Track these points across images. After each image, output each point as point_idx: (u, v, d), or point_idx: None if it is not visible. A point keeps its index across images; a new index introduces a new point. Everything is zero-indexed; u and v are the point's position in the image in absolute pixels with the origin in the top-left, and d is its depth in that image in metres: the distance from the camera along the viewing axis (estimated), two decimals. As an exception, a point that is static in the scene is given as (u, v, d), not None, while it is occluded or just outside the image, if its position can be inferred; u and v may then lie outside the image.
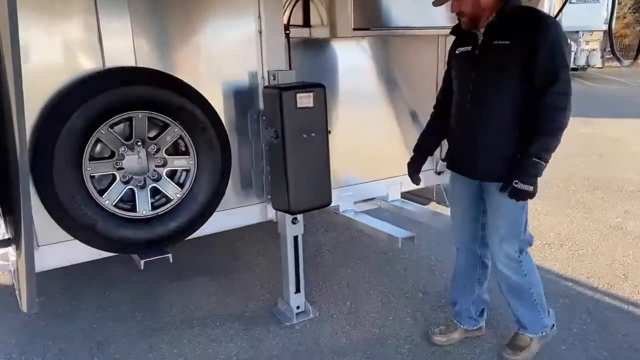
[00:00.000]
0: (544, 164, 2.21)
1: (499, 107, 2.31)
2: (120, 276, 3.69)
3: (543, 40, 2.16)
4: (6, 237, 2.24)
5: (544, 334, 2.63)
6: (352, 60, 3.29)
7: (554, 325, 2.68)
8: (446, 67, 2.64)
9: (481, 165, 2.43)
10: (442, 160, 3.70)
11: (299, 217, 2.95)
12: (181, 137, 2.50)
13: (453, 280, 2.87)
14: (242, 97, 2.84)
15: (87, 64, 2.37)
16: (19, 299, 2.33)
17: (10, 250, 2.39)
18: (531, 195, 2.26)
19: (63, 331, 3.02)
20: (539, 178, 2.24)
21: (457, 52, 2.47)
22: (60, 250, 2.50)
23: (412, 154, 2.83)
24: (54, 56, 2.30)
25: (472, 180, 2.51)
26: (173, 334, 2.97)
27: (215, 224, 2.81)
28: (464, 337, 2.85)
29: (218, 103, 2.73)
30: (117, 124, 2.36)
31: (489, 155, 2.38)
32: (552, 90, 2.16)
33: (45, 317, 3.17)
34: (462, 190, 2.62)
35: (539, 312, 2.59)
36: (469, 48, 2.38)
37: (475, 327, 2.85)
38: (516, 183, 2.24)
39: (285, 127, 2.59)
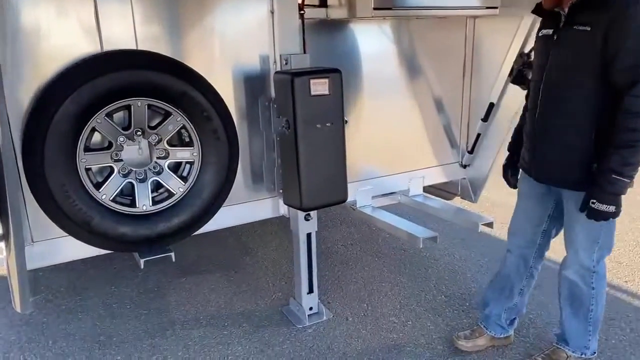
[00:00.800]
0: (627, 180, 1.91)
1: (573, 103, 2.03)
2: (127, 270, 3.55)
3: (628, 28, 1.85)
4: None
5: (583, 355, 2.38)
6: (373, 43, 3.04)
7: (595, 352, 2.41)
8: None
9: (547, 167, 2.18)
10: (469, 152, 3.49)
11: (313, 213, 2.74)
12: (184, 127, 2.31)
13: (492, 281, 2.63)
14: (252, 84, 2.63)
15: (84, 47, 2.19)
16: (12, 299, 2.19)
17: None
18: (614, 215, 1.97)
19: (65, 329, 2.89)
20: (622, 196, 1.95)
21: (540, 34, 2.20)
22: (57, 246, 2.34)
23: (507, 153, 2.54)
24: (47, 39, 2.12)
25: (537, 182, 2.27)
26: (178, 335, 2.81)
27: (223, 219, 2.62)
28: (490, 345, 2.62)
29: (226, 90, 2.52)
30: (114, 112, 2.18)
31: (558, 156, 2.11)
32: (632, 92, 1.86)
33: (48, 313, 3.05)
34: (526, 189, 2.39)
35: (589, 331, 2.33)
36: (550, 31, 2.11)
37: (502, 336, 2.62)
38: (593, 203, 1.97)
39: (297, 116, 2.38)
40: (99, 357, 2.64)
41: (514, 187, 2.51)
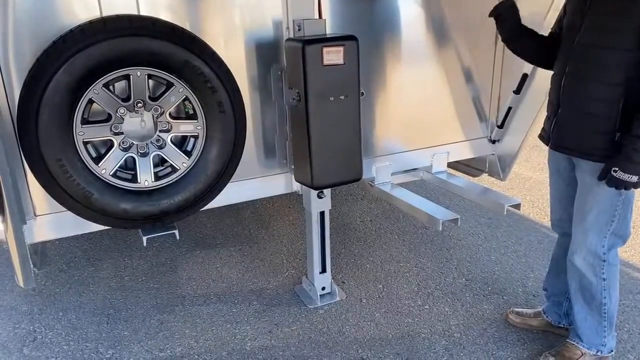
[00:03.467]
0: None
1: (605, 68, 1.88)
2: (142, 242, 3.51)
3: None
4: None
5: (599, 353, 2.20)
6: (396, 7, 2.79)
7: (612, 350, 2.23)
8: (560, 13, 2.19)
9: (567, 134, 2.04)
10: (498, 126, 3.25)
11: (326, 191, 2.59)
12: (187, 99, 2.17)
13: (550, 265, 2.50)
14: (263, 52, 2.46)
15: (82, 13, 2.06)
16: (14, 274, 2.15)
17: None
18: (636, 185, 1.86)
19: (76, 301, 2.87)
20: None
21: None
22: (60, 220, 2.28)
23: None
24: (44, 3, 2.00)
25: (559, 153, 2.13)
26: (187, 311, 2.76)
27: (233, 194, 2.51)
28: (545, 331, 2.50)
29: (235, 58, 2.37)
30: (112, 82, 2.05)
31: (581, 124, 1.98)
32: None
33: (61, 284, 3.04)
34: (552, 165, 2.26)
35: (604, 327, 2.16)
36: None
37: (559, 325, 2.46)
38: (615, 171, 1.85)
39: (308, 88, 2.21)
40: (107, 331, 2.61)
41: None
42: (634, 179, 1.84)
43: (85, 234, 2.41)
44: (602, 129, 1.93)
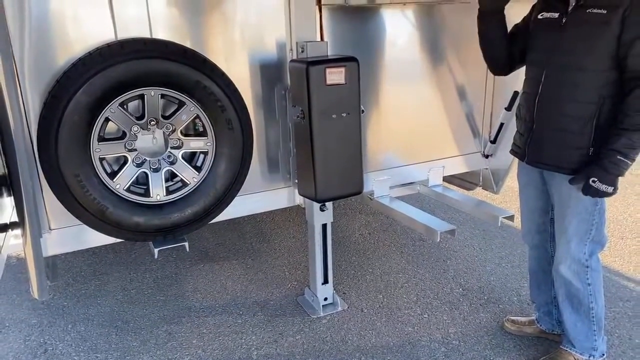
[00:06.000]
0: (630, 162, 1.90)
1: (580, 88, 1.99)
2: (146, 256, 3.60)
3: None
4: (9, 220, 2.10)
5: (592, 358, 2.31)
6: (393, 30, 2.94)
7: (604, 354, 2.34)
8: (521, 24, 2.31)
9: (543, 150, 2.15)
10: (491, 142, 3.39)
11: (328, 204, 2.71)
12: (198, 117, 2.28)
13: (529, 279, 2.62)
14: (268, 72, 2.59)
15: (98, 36, 2.18)
16: (29, 285, 2.23)
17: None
18: (611, 194, 1.98)
19: (84, 313, 2.94)
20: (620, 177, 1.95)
21: (540, 17, 2.13)
22: (74, 234, 2.37)
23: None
24: (61, 27, 2.11)
25: (532, 167, 2.25)
26: (194, 322, 2.84)
27: (238, 208, 2.61)
28: (539, 337, 2.61)
29: (242, 78, 2.49)
30: (128, 101, 2.17)
31: (557, 140, 2.09)
32: None
33: (68, 297, 3.11)
34: (523, 178, 2.38)
35: (594, 331, 2.27)
36: (556, 15, 2.05)
37: (553, 332, 2.57)
38: (594, 182, 1.96)
39: (312, 106, 2.33)
40: (116, 342, 2.68)
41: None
42: (610, 189, 1.95)
43: (90, 248, 2.48)
44: (578, 144, 2.04)
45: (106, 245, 2.49)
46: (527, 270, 3.24)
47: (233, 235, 3.89)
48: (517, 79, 3.14)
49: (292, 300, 3.04)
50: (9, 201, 2.16)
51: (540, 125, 2.14)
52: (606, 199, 2.11)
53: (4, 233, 2.14)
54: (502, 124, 3.31)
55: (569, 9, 2.00)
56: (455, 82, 3.21)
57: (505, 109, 3.24)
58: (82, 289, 3.20)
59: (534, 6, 2.26)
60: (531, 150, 2.20)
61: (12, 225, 2.18)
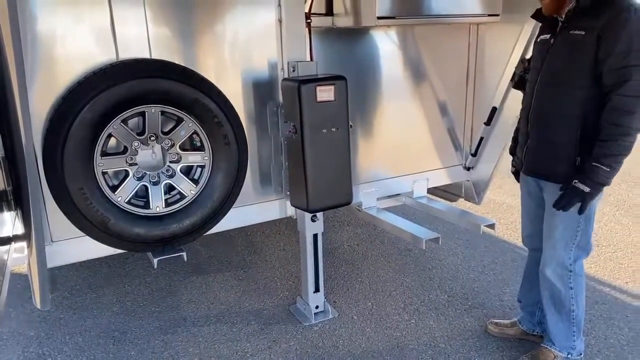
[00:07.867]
0: (606, 169, 2.06)
1: (564, 103, 2.19)
2: (140, 269, 3.67)
3: (619, 34, 1.99)
4: (11, 234, 2.19)
5: (570, 356, 2.46)
6: (378, 50, 3.12)
7: (581, 354, 2.50)
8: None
9: (535, 160, 2.34)
10: (472, 155, 3.57)
11: (319, 214, 2.83)
12: (196, 132, 2.41)
13: (523, 279, 2.77)
14: (261, 90, 2.73)
15: (101, 56, 2.30)
16: (32, 295, 2.30)
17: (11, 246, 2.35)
18: (588, 195, 2.12)
19: (81, 325, 3.01)
20: (604, 186, 2.12)
21: (538, 40, 2.37)
22: (75, 245, 2.45)
23: (510, 158, 2.70)
24: (64, 47, 2.23)
25: (528, 177, 2.44)
26: (189, 331, 2.92)
27: (232, 219, 2.72)
28: (521, 339, 2.73)
29: (236, 96, 2.62)
30: (129, 118, 2.28)
31: (546, 151, 2.28)
32: (621, 91, 2.01)
33: (65, 310, 3.17)
34: (523, 187, 2.55)
35: (573, 332, 2.43)
36: (548, 36, 2.27)
37: (533, 332, 2.71)
38: (575, 182, 2.13)
39: (304, 121, 2.48)
40: (114, 352, 2.75)
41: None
42: (587, 189, 2.11)
43: (84, 263, 2.56)
44: (564, 155, 2.21)
45: (99, 260, 2.57)
46: (508, 277, 3.43)
47: (225, 248, 3.99)
48: (495, 95, 3.37)
49: (284, 309, 3.14)
50: (8, 216, 2.26)
51: (533, 137, 2.33)
52: (594, 210, 2.27)
53: (9, 246, 2.22)
54: (482, 138, 3.49)
55: (557, 31, 2.21)
56: (437, 99, 3.40)
57: (485, 123, 3.43)
58: (78, 302, 3.26)
59: None
60: (527, 160, 2.39)
61: (15, 238, 2.27)
